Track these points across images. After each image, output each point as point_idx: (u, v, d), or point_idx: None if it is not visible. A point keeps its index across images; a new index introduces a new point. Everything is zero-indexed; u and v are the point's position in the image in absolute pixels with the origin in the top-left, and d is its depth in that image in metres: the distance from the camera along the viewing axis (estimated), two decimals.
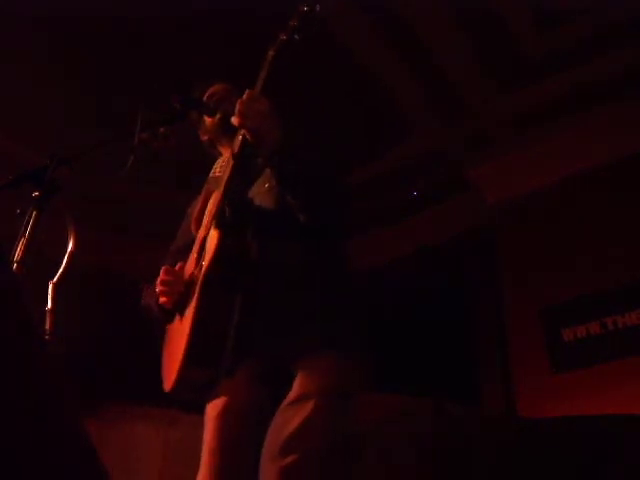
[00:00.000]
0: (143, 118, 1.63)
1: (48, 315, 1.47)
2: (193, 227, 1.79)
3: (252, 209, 1.71)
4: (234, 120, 1.60)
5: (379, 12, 3.46)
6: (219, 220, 1.65)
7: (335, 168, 1.72)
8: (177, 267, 1.73)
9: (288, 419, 1.47)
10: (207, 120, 1.88)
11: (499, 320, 4.36)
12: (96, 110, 3.62)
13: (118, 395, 4.13)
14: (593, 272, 3.92)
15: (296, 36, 1.67)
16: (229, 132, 1.80)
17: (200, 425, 1.68)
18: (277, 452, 1.43)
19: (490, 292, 4.56)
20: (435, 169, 4.68)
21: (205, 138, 1.96)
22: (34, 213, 1.47)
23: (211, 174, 1.90)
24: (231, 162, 1.70)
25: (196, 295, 1.58)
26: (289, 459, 1.41)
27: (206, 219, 1.73)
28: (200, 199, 1.82)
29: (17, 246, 1.44)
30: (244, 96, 1.62)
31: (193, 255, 1.71)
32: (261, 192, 1.73)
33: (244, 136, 1.63)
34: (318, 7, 1.65)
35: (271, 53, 1.70)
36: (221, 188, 1.70)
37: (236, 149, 1.68)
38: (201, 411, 1.69)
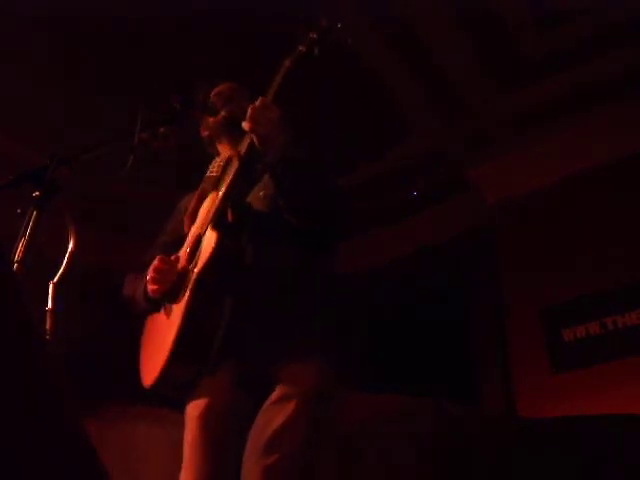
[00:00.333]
0: (143, 118, 1.63)
1: (48, 315, 1.47)
2: (185, 223, 1.79)
3: (250, 213, 1.72)
4: (245, 125, 1.62)
5: (379, 12, 3.46)
6: (218, 221, 1.66)
7: (336, 176, 1.73)
8: (172, 258, 1.73)
9: (271, 418, 1.47)
10: (210, 117, 1.89)
11: (499, 320, 4.36)
12: (96, 110, 3.61)
13: (118, 395, 4.12)
14: (593, 272, 3.92)
15: (316, 50, 1.70)
16: (231, 132, 1.82)
17: None
18: (260, 452, 1.44)
19: (490, 292, 4.56)
20: (435, 169, 4.68)
21: (206, 134, 1.96)
22: (34, 213, 1.47)
23: (207, 173, 1.90)
24: (235, 164, 1.72)
25: (189, 292, 1.59)
26: (272, 458, 1.42)
27: (202, 218, 1.73)
28: (195, 197, 1.82)
29: (17, 246, 1.44)
30: (257, 102, 1.63)
31: (185, 250, 1.72)
32: (256, 198, 1.74)
33: (252, 140, 1.65)
34: (339, 25, 1.69)
35: (287, 64, 1.72)
36: (222, 189, 1.71)
37: (243, 152, 1.70)
38: (182, 410, 1.68)
